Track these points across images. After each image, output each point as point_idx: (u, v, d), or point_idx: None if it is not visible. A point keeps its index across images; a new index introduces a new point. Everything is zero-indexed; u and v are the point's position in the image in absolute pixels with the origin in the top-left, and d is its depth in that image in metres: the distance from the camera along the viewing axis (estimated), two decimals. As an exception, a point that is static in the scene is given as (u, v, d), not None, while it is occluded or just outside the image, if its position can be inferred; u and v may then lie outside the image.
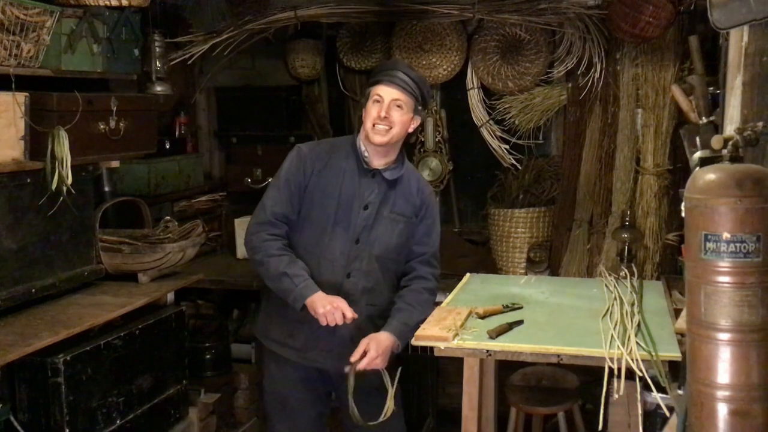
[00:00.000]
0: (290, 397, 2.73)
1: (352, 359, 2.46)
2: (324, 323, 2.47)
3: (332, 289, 2.56)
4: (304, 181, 2.61)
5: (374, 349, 2.47)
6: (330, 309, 2.46)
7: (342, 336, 2.57)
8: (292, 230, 2.65)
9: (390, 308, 2.66)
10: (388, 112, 2.53)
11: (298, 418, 2.74)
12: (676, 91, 2.80)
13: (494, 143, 3.98)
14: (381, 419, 2.48)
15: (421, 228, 2.74)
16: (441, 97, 4.23)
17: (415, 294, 2.69)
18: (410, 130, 2.63)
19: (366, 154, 2.63)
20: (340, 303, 2.48)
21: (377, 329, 2.58)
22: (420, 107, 2.61)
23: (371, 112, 2.56)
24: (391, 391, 2.52)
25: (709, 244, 1.62)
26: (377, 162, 2.64)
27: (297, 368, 2.69)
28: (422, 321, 2.54)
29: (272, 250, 2.56)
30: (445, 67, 3.95)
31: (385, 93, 2.54)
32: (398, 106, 2.54)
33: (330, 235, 2.62)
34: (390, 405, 2.49)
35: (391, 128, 2.55)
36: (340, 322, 2.46)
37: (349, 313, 2.47)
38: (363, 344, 2.48)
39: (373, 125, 2.55)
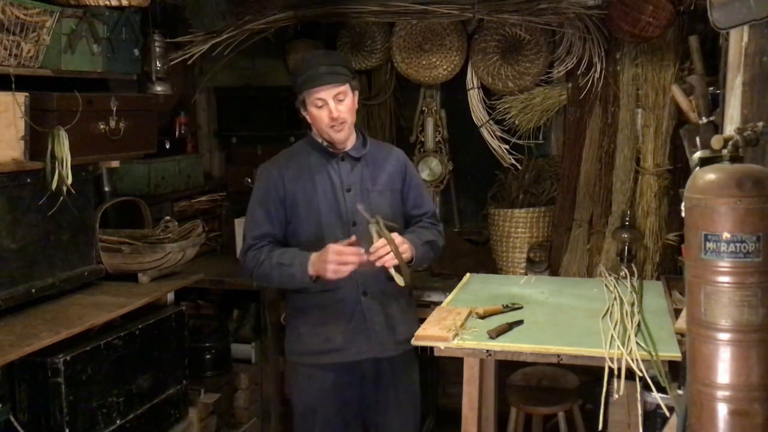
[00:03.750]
0: (319, 407, 2.72)
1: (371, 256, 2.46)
2: (341, 277, 2.47)
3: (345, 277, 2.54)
4: (281, 193, 2.65)
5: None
6: (334, 268, 2.44)
7: (377, 321, 2.61)
8: (290, 238, 2.68)
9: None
10: (337, 112, 2.57)
11: (326, 426, 2.73)
12: (676, 91, 2.80)
13: (494, 143, 3.97)
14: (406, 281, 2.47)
15: (411, 193, 2.79)
16: (441, 97, 4.22)
17: (423, 229, 2.75)
18: (356, 106, 2.67)
19: (326, 143, 2.67)
20: (334, 256, 2.44)
21: (403, 305, 2.63)
22: (353, 81, 2.64)
23: (321, 117, 2.59)
24: (401, 261, 2.48)
25: (709, 244, 1.62)
26: (341, 146, 2.68)
27: (327, 375, 2.68)
28: (432, 243, 2.68)
29: (260, 257, 2.60)
30: (445, 67, 3.95)
31: (325, 95, 2.57)
32: (340, 100, 2.58)
33: (326, 227, 2.64)
34: (401, 276, 2.48)
35: (345, 122, 2.60)
36: (351, 268, 2.45)
37: (353, 255, 2.46)
38: (380, 243, 2.47)
39: (331, 126, 2.59)
